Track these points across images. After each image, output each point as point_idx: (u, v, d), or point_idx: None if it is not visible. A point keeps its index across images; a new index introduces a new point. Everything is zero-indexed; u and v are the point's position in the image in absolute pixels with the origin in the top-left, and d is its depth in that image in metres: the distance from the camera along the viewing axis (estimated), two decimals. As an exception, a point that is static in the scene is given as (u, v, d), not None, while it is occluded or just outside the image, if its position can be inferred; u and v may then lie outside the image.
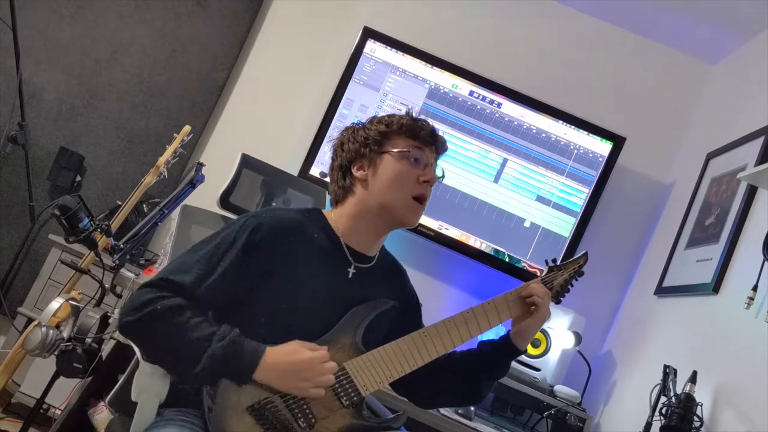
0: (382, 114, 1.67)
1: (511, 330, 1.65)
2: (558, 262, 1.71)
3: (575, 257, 1.73)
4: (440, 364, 1.64)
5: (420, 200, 1.57)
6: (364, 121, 1.65)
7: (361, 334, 1.53)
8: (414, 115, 1.62)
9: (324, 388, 1.41)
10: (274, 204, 2.49)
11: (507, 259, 3.18)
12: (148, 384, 1.46)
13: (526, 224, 3.21)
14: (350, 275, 1.57)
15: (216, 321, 1.41)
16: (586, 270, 1.76)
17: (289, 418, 1.42)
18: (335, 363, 1.43)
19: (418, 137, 1.57)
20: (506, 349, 1.65)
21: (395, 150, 1.56)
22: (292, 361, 1.39)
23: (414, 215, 1.58)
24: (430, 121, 1.64)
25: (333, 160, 1.66)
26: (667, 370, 2.20)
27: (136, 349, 1.54)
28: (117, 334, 2.27)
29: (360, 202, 1.57)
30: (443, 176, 1.64)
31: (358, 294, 1.57)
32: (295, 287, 1.50)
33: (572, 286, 1.72)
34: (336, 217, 1.60)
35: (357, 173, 1.58)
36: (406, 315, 1.68)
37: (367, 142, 1.58)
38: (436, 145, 1.60)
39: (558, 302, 1.70)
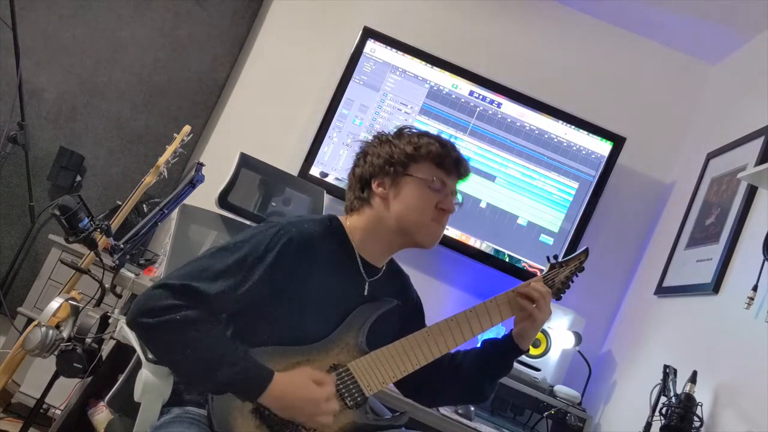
0: (400, 122, 1.66)
1: (513, 329, 1.66)
2: (559, 259, 1.72)
3: (576, 253, 1.73)
4: (444, 365, 1.65)
5: (439, 222, 1.57)
6: (392, 131, 1.62)
7: (365, 334, 1.53)
8: (442, 139, 1.59)
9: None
10: (273, 204, 2.49)
11: (507, 259, 3.18)
12: (152, 384, 1.46)
13: (526, 224, 3.21)
14: (366, 291, 1.58)
15: (229, 335, 1.42)
16: (587, 269, 1.76)
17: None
18: (336, 403, 1.44)
19: (443, 165, 1.56)
20: (509, 349, 1.65)
21: (419, 176, 1.55)
22: (297, 396, 1.39)
23: (432, 239, 1.58)
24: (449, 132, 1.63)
25: (354, 166, 1.63)
26: (667, 370, 2.20)
27: (137, 348, 1.54)
28: (117, 334, 2.27)
29: (377, 219, 1.57)
30: (462, 202, 1.63)
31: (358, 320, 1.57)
32: (307, 301, 1.50)
33: (572, 282, 1.72)
34: (351, 226, 1.59)
35: (377, 189, 1.56)
36: (411, 318, 1.69)
37: (391, 161, 1.56)
38: (459, 172, 1.60)
39: (558, 299, 1.70)
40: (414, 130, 1.61)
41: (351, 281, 1.57)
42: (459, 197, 1.61)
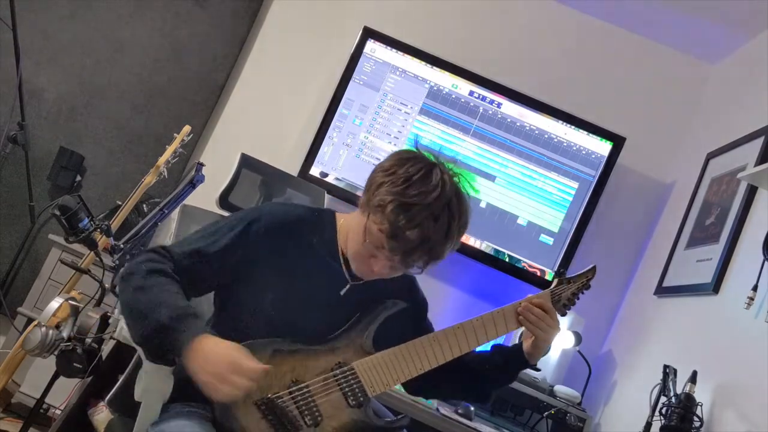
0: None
1: (523, 343, 1.66)
2: (567, 275, 1.70)
3: (584, 270, 1.71)
4: (451, 367, 1.64)
5: (368, 268, 1.49)
6: (416, 173, 1.42)
7: (372, 334, 1.54)
8: (428, 227, 1.39)
9: (238, 393, 1.29)
10: (274, 203, 2.49)
11: (507, 259, 3.18)
12: (152, 383, 1.46)
13: (526, 224, 3.21)
14: (342, 292, 1.55)
15: (189, 295, 1.43)
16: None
17: (296, 414, 1.44)
18: (252, 384, 1.30)
19: (388, 242, 1.41)
20: (516, 362, 1.67)
21: (370, 224, 1.43)
22: (222, 354, 1.29)
23: (358, 272, 1.51)
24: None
25: None
26: (667, 370, 2.20)
27: (139, 349, 1.54)
28: (117, 334, 2.27)
29: (352, 226, 1.53)
30: (422, 271, 1.50)
31: (351, 305, 1.56)
32: (279, 287, 1.50)
33: (578, 299, 1.71)
34: (343, 224, 1.57)
35: (362, 197, 1.50)
36: (416, 322, 1.69)
37: (368, 189, 1.47)
38: (406, 261, 1.44)
39: (564, 314, 1.70)
40: (425, 195, 1.40)
41: (328, 276, 1.55)
42: (415, 270, 1.49)
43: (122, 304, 1.42)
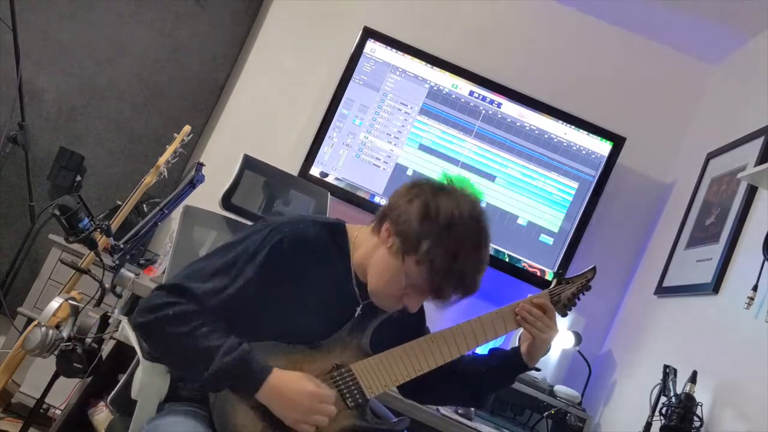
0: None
1: (520, 346, 1.66)
2: (567, 275, 1.70)
3: (584, 271, 1.70)
4: (446, 369, 1.64)
5: (397, 301, 1.50)
6: (448, 212, 1.43)
7: (369, 336, 1.53)
8: (469, 275, 1.45)
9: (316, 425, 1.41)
10: (275, 206, 2.49)
11: (507, 259, 3.18)
12: (148, 382, 1.47)
13: (526, 224, 3.21)
14: (356, 314, 1.55)
15: (225, 330, 1.41)
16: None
17: None
18: (334, 408, 1.43)
19: (433, 290, 1.44)
20: (514, 364, 1.66)
21: (408, 267, 1.43)
22: (296, 389, 1.39)
23: (380, 305, 1.52)
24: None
25: (399, 191, 1.51)
26: (667, 370, 2.20)
27: (135, 346, 1.55)
28: (117, 334, 2.27)
29: (371, 254, 1.51)
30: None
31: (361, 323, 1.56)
32: (298, 303, 1.49)
33: (579, 299, 1.71)
34: (358, 238, 1.55)
35: (384, 230, 1.47)
36: (413, 324, 1.68)
37: (402, 234, 1.44)
38: (444, 300, 1.47)
39: (564, 315, 1.69)
40: (465, 239, 1.43)
41: (340, 296, 1.54)
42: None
43: (161, 350, 1.44)
